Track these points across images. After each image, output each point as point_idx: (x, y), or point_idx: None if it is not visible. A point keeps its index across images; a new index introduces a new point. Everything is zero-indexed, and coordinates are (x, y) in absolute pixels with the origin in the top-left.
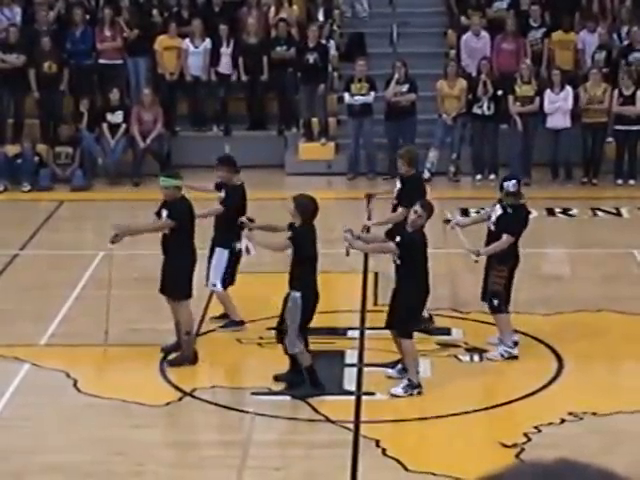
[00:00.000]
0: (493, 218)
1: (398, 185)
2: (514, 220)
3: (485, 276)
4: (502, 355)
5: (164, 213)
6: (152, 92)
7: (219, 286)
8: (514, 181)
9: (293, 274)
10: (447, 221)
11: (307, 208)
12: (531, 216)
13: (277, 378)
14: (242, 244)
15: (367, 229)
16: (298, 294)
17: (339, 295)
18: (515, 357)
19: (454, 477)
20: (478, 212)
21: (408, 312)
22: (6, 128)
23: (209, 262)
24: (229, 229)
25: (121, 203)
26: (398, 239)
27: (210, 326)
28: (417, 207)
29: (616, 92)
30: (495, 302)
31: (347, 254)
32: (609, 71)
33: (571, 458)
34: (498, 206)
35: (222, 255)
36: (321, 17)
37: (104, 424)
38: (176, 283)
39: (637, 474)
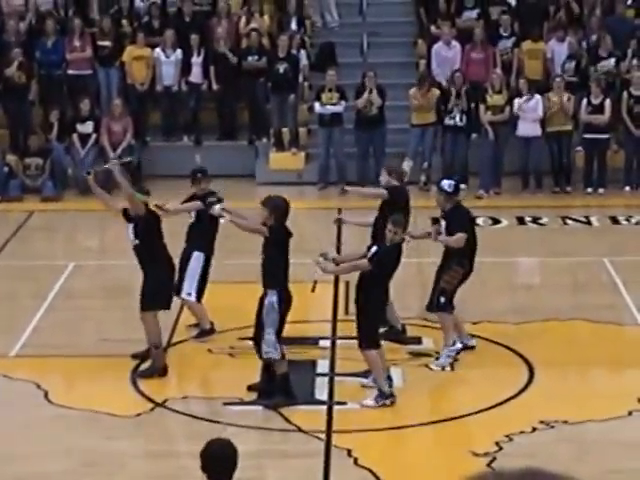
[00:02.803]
0: (443, 232)
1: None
2: (458, 219)
3: (435, 283)
4: (449, 357)
5: (130, 228)
6: (122, 102)
7: (193, 296)
8: (451, 181)
9: (268, 274)
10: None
11: (279, 206)
12: (501, 225)
13: (251, 388)
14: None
15: (339, 221)
16: (274, 298)
17: (310, 305)
18: (459, 351)
19: None
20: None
21: (369, 324)
22: None
23: (180, 272)
24: (204, 234)
25: (91, 213)
26: (374, 249)
27: (182, 336)
28: (390, 225)
29: (584, 101)
30: (442, 300)
31: (313, 289)
32: (578, 80)
33: (536, 467)
34: (442, 220)
35: (198, 260)
36: (293, 27)
37: (75, 435)
38: (147, 293)
39: None
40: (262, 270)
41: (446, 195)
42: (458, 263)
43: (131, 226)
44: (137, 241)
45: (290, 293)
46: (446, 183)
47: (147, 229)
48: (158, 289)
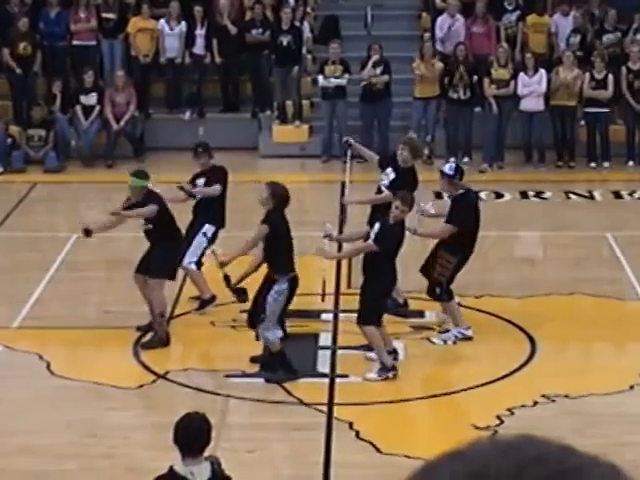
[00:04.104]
0: (415, 223)
1: (392, 175)
2: (460, 209)
3: (427, 260)
4: (456, 336)
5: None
6: (125, 74)
7: (194, 266)
8: (452, 164)
9: (274, 262)
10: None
11: (279, 194)
12: (504, 199)
13: (253, 360)
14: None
15: (343, 209)
16: (285, 286)
17: (313, 278)
18: (470, 338)
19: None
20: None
21: (370, 301)
22: None
23: (187, 242)
24: (216, 206)
25: (94, 185)
26: (377, 227)
27: (184, 308)
28: (397, 202)
29: (587, 75)
30: (437, 290)
31: (323, 294)
32: (583, 55)
33: (531, 434)
34: (448, 200)
35: (209, 231)
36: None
37: (77, 406)
38: (161, 261)
39: (608, 456)
40: (266, 256)
41: (448, 179)
42: (449, 250)
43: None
44: (149, 225)
45: (298, 279)
46: (447, 166)
47: (158, 215)
48: (167, 259)
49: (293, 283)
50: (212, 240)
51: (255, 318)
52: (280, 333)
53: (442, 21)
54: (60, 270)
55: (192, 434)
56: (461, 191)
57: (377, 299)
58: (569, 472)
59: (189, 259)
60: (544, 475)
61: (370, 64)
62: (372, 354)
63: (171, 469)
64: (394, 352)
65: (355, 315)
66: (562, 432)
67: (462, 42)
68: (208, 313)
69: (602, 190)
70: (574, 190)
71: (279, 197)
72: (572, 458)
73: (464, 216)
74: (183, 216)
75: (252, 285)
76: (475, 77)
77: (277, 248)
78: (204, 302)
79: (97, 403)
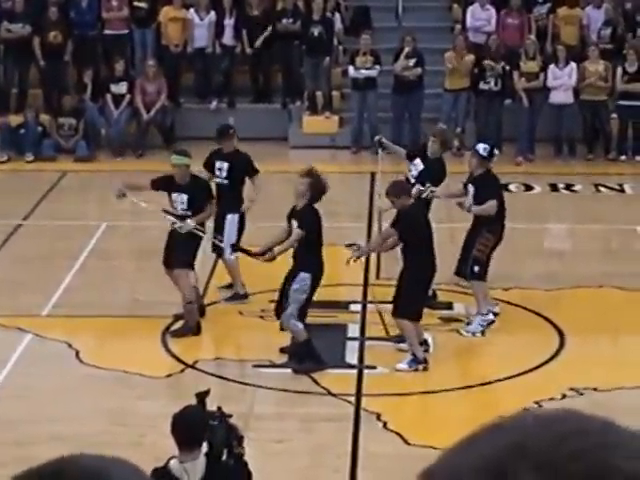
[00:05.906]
0: (470, 199)
1: (420, 166)
2: (487, 186)
3: (463, 249)
4: (482, 325)
5: (184, 197)
6: (156, 63)
7: (232, 256)
8: (487, 145)
9: (300, 255)
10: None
11: (319, 189)
12: (534, 192)
13: (283, 350)
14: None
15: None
16: (308, 275)
17: (342, 268)
18: (492, 322)
19: None
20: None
21: (406, 293)
22: (10, 98)
23: (216, 232)
24: (238, 194)
25: (124, 174)
26: (394, 219)
27: (213, 297)
28: (389, 193)
29: (620, 69)
30: (476, 269)
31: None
32: (614, 47)
33: (573, 408)
34: (470, 185)
35: (233, 221)
36: None
37: (106, 395)
38: (181, 253)
39: None
40: (294, 251)
41: (480, 159)
42: (489, 230)
43: (185, 197)
44: (189, 212)
45: (323, 271)
46: (481, 147)
47: (200, 198)
48: (189, 249)
49: (317, 274)
50: (241, 221)
51: (280, 308)
52: (301, 325)
53: (472, 10)
54: (90, 258)
55: (189, 428)
56: (485, 171)
57: (414, 291)
58: (610, 445)
59: (227, 251)
60: (585, 447)
61: (403, 56)
62: (403, 345)
63: (167, 464)
64: (425, 343)
65: (385, 306)
66: None
67: (494, 33)
68: (237, 304)
69: (633, 183)
70: (604, 183)
71: (317, 191)
72: (614, 432)
73: (493, 190)
74: None
75: (280, 275)
76: (507, 67)
77: (305, 246)
78: (237, 295)
79: (126, 392)
